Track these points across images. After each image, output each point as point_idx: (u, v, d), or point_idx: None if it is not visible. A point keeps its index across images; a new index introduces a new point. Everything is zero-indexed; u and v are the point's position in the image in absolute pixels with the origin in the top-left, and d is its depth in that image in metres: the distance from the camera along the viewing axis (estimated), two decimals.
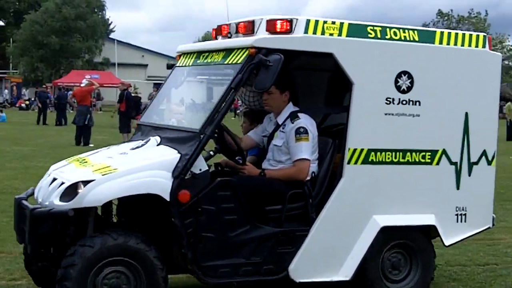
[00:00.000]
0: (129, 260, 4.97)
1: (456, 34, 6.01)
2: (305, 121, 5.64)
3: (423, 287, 5.93)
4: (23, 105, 48.31)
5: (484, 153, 6.11)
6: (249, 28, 5.59)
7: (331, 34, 5.51)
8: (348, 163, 5.58)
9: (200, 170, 5.20)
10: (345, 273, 5.62)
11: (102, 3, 63.23)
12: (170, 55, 62.67)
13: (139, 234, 5.08)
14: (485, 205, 6.21)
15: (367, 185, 5.69)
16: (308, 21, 5.44)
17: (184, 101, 6.49)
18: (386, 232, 5.73)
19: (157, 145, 5.54)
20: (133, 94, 24.05)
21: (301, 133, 5.55)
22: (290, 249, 5.47)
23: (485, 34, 6.22)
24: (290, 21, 5.40)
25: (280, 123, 5.74)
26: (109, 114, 31.87)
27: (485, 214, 6.22)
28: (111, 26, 66.36)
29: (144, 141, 5.67)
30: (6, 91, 53.69)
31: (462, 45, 5.99)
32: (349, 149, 5.58)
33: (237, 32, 5.75)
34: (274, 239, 5.44)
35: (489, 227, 6.30)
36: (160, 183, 5.06)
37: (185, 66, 6.26)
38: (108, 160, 5.48)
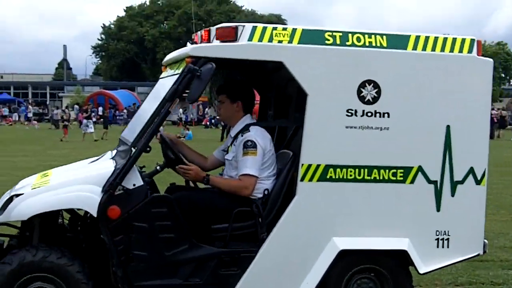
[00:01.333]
0: (51, 276, 4.86)
1: (436, 38, 5.36)
2: (255, 134, 5.27)
3: None
4: (208, 123, 51.30)
5: (471, 171, 5.41)
6: (206, 36, 5.33)
7: (280, 41, 5.10)
8: (302, 180, 5.13)
9: (134, 185, 5.00)
10: None
11: (283, 22, 65.26)
12: None
13: (63, 249, 4.96)
14: (473, 229, 5.49)
15: (326, 204, 5.21)
16: (254, 28, 5.07)
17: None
18: (349, 256, 5.22)
19: (111, 158, 5.43)
20: None
21: (248, 146, 5.20)
22: (234, 271, 5.12)
23: (473, 38, 5.48)
24: (236, 29, 5.07)
25: (232, 135, 5.42)
26: None
27: (474, 239, 5.50)
28: None
29: (103, 154, 5.58)
30: (194, 109, 56.22)
31: (442, 50, 5.33)
32: (302, 165, 5.13)
33: (201, 40, 5.51)
34: (217, 259, 5.12)
35: (478, 254, 5.56)
36: (87, 197, 4.91)
37: (160, 77, 6.12)
38: (61, 173, 5.44)
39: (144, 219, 4.99)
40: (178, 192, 5.35)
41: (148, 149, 4.99)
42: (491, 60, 5.47)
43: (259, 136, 5.28)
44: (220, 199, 5.22)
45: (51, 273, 4.85)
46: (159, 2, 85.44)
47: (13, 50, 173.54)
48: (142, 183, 5.05)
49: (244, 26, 5.08)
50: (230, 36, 5.05)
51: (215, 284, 5.12)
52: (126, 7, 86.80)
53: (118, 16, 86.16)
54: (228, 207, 5.14)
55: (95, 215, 4.88)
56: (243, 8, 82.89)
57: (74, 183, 5.03)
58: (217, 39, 5.11)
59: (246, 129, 5.33)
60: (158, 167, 5.35)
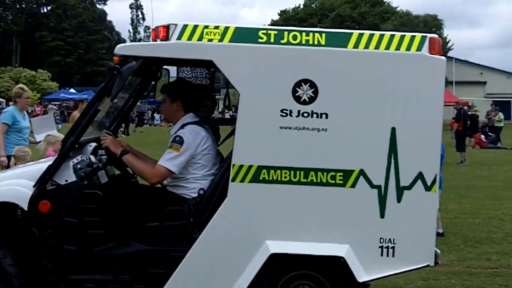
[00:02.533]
0: None
1: (381, 35, 5.05)
2: (187, 131, 5.25)
3: None
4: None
5: (420, 176, 5.06)
6: (164, 33, 5.17)
7: (210, 40, 5.01)
8: (233, 180, 5.02)
9: (66, 181, 5.14)
10: None
11: (440, 22, 64.58)
12: (510, 71, 63.47)
13: None
14: (422, 238, 5.12)
15: (258, 206, 5.06)
16: (185, 27, 5.02)
17: None
18: (283, 261, 5.06)
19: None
20: (470, 112, 24.48)
21: (174, 141, 5.21)
22: (163, 270, 5.11)
23: (424, 34, 5.09)
24: (167, 27, 5.04)
25: (171, 134, 5.40)
26: None
27: (423, 248, 5.13)
28: (449, 45, 66.99)
29: None
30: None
31: (387, 48, 5.02)
32: (233, 165, 5.02)
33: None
34: (145, 257, 5.13)
35: (428, 265, 5.18)
36: (19, 191, 5.10)
37: None
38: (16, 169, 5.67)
39: (74, 214, 5.10)
40: (114, 188, 5.40)
41: (76, 146, 5.08)
42: (443, 58, 5.07)
43: (192, 134, 5.24)
44: (152, 197, 5.25)
45: None
46: (312, 5, 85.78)
47: None
48: (74, 179, 5.15)
49: (176, 25, 5.04)
50: (163, 35, 5.04)
51: (143, 282, 5.13)
52: (280, 11, 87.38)
53: (272, 20, 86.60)
54: (159, 206, 5.13)
55: (25, 208, 5.04)
56: (398, 9, 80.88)
57: (10, 178, 5.24)
58: (153, 39, 5.13)
59: (182, 127, 5.30)
60: (100, 164, 5.41)
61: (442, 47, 5.26)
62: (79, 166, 5.27)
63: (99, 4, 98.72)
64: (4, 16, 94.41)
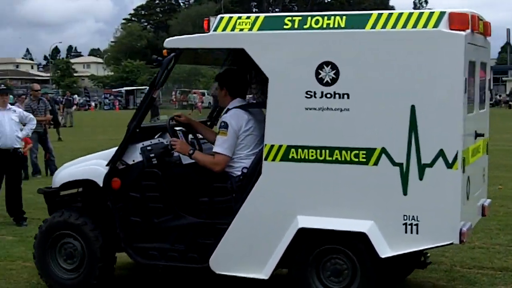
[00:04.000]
0: (72, 233, 6.12)
1: (400, 14, 5.12)
2: (230, 116, 5.78)
3: None
4: None
5: (441, 153, 5.03)
6: (206, 25, 5.79)
7: (241, 30, 5.49)
8: (266, 159, 5.45)
9: (133, 161, 5.96)
10: (264, 272, 5.50)
11: None
12: None
13: (81, 212, 6.17)
14: (446, 215, 5.07)
15: (289, 183, 5.42)
16: (221, 19, 5.58)
17: None
18: (311, 235, 5.37)
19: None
20: None
21: (221, 127, 5.75)
22: (211, 241, 5.69)
23: (444, 10, 5.02)
24: (208, 20, 5.64)
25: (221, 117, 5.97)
26: None
27: (447, 226, 5.08)
28: None
29: None
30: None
31: (405, 26, 5.07)
32: (265, 145, 5.45)
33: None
34: (196, 229, 5.77)
35: (452, 243, 5.10)
36: (96, 170, 6.05)
37: None
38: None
39: (138, 190, 5.90)
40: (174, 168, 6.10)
41: (137, 130, 5.89)
42: (461, 33, 4.97)
43: (234, 118, 5.75)
44: (201, 175, 5.84)
45: (72, 230, 6.12)
46: None
47: None
48: (140, 159, 5.95)
49: (215, 17, 5.61)
50: (205, 27, 5.65)
51: (196, 251, 5.75)
52: None
53: None
54: (208, 183, 5.75)
55: (101, 185, 5.98)
56: None
57: (91, 159, 6.25)
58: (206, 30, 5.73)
59: (226, 111, 5.85)
60: (169, 147, 6.09)
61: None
62: (149, 147, 6.02)
63: None
64: (290, 7, 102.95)
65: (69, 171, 6.36)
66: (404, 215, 5.14)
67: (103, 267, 6.07)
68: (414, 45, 5.06)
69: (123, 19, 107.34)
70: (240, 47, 5.53)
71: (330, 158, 5.28)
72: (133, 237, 5.95)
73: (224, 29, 5.56)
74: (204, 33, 5.66)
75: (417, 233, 5.12)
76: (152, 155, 6.00)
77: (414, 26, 5.06)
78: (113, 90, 73.13)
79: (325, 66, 5.24)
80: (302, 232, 5.34)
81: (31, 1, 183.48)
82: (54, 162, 14.67)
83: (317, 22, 5.30)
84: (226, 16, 5.61)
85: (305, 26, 5.32)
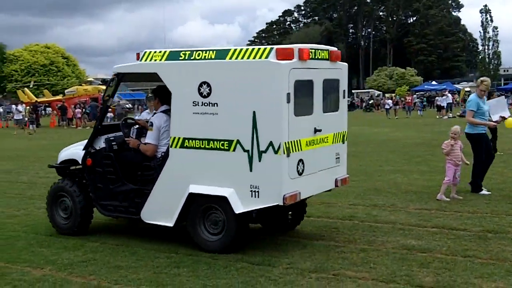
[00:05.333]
0: (64, 194, 9.19)
1: (246, 50, 7.58)
2: (155, 117, 8.57)
3: (226, 242, 7.88)
4: None
5: (270, 143, 7.43)
6: (137, 56, 8.56)
7: (155, 60, 8.21)
8: (171, 146, 8.14)
9: (99, 147, 8.94)
10: (170, 222, 8.18)
11: None
12: None
13: (72, 180, 9.21)
14: (274, 185, 7.45)
15: (184, 163, 8.04)
16: (144, 53, 8.32)
17: None
18: (198, 197, 7.96)
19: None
20: None
21: (150, 125, 8.53)
22: (141, 200, 8.47)
23: (272, 46, 7.43)
24: (139, 53, 8.39)
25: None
26: None
27: (275, 193, 7.46)
28: None
29: None
30: None
31: (248, 58, 7.51)
32: (171, 137, 8.13)
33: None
34: (133, 192, 8.60)
35: (278, 204, 7.47)
36: (77, 153, 9.14)
37: None
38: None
39: (100, 166, 8.85)
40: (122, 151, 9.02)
41: (99, 127, 8.88)
42: (284, 62, 7.33)
43: (157, 118, 8.52)
44: (137, 157, 8.69)
45: (65, 192, 9.18)
46: None
47: None
48: (103, 146, 8.90)
49: (145, 51, 8.33)
50: (137, 58, 8.41)
51: (134, 207, 8.53)
52: None
53: None
54: (141, 162, 8.60)
55: (80, 163, 9.03)
56: None
57: (80, 145, 9.26)
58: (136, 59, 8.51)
59: (153, 115, 8.66)
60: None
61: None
62: (112, 138, 9.03)
63: (454, 12, 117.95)
64: (380, 28, 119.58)
65: (64, 153, 9.47)
66: (251, 185, 7.59)
67: (82, 218, 9.09)
68: (253, 70, 7.49)
69: (248, 41, 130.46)
70: (154, 72, 8.21)
71: (208, 146, 7.84)
72: (99, 198, 8.90)
73: (146, 60, 8.30)
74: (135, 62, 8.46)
75: (258, 197, 7.58)
76: (114, 143, 8.98)
77: (254, 57, 7.49)
78: None
79: (203, 85, 7.80)
80: (192, 195, 7.97)
81: (179, 28, 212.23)
82: None
83: (198, 55, 7.89)
84: (148, 50, 8.32)
85: (192, 58, 7.92)
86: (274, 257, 7.78)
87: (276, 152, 7.42)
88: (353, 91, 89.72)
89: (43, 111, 62.54)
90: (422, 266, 7.34)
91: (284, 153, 7.42)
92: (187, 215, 8.14)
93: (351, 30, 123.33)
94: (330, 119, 8.45)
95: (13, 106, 46.06)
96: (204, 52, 7.89)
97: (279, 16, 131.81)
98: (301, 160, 7.77)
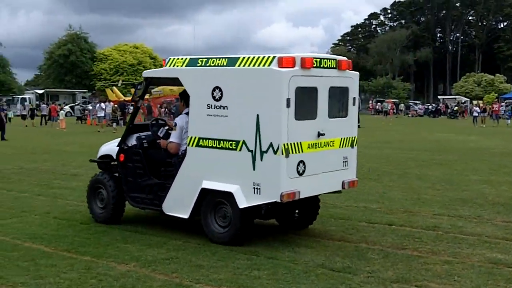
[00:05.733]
0: (102, 186, 10.08)
1: (253, 58, 8.19)
2: (178, 118, 9.28)
3: (232, 235, 8.54)
4: None
5: (271, 145, 8.04)
6: (164, 62, 9.43)
7: (177, 66, 8.98)
8: (188, 145, 8.90)
9: (131, 144, 9.84)
10: (186, 214, 8.93)
11: None
12: None
13: (109, 173, 10.10)
14: (273, 183, 8.04)
15: (200, 160, 8.76)
16: (169, 59, 9.10)
17: None
18: (209, 192, 8.67)
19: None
20: None
21: (174, 125, 9.28)
22: (163, 194, 9.27)
23: (275, 55, 8.01)
24: (165, 60, 9.20)
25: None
26: None
27: (273, 190, 8.05)
28: None
29: None
30: None
31: (254, 65, 8.14)
32: (189, 136, 8.88)
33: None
34: (156, 186, 9.41)
35: (276, 201, 8.03)
36: (113, 149, 10.05)
37: None
38: None
39: (131, 162, 9.72)
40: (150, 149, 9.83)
41: (130, 126, 9.83)
42: (285, 69, 7.91)
43: (181, 119, 9.23)
44: (161, 154, 9.47)
45: (102, 184, 10.07)
46: None
47: None
48: (134, 143, 9.76)
49: (170, 58, 9.11)
50: (163, 64, 9.23)
51: (158, 199, 9.32)
52: None
53: None
54: (164, 159, 9.41)
55: (114, 158, 9.93)
56: None
57: (114, 142, 10.13)
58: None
59: (177, 116, 9.41)
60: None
61: None
62: (143, 136, 9.87)
63: None
64: (469, 33, 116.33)
65: (103, 148, 10.39)
66: (254, 182, 8.23)
67: (115, 208, 9.95)
68: (258, 77, 8.13)
69: (332, 43, 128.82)
70: (176, 77, 8.96)
71: (218, 146, 8.53)
72: (129, 190, 9.78)
73: (170, 65, 9.08)
74: (162, 67, 9.28)
75: (259, 194, 8.20)
76: (145, 141, 9.86)
77: (259, 65, 8.12)
78: None
79: (216, 89, 8.51)
80: (204, 190, 8.70)
81: (263, 30, 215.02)
82: None
83: (213, 62, 8.61)
84: (172, 58, 9.11)
85: (207, 64, 8.64)
86: (355, 265, 7.80)
87: (275, 152, 8.02)
88: (439, 96, 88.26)
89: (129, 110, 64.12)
90: (508, 281, 7.21)
91: (282, 153, 8.01)
92: (200, 209, 8.83)
93: (438, 35, 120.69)
94: (337, 125, 8.97)
95: (98, 104, 47.47)
96: (218, 59, 8.60)
97: (365, 19, 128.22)
98: (302, 161, 8.33)
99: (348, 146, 9.11)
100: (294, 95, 8.00)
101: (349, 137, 9.16)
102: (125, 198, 9.94)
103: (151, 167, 9.61)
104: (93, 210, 10.25)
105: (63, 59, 77.86)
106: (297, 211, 9.58)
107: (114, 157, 10.01)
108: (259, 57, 8.20)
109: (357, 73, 9.24)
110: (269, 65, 8.04)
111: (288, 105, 7.91)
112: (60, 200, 12.40)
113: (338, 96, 8.92)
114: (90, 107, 57.50)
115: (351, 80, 9.08)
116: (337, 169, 8.95)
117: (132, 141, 9.86)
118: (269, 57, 8.11)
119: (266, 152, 8.09)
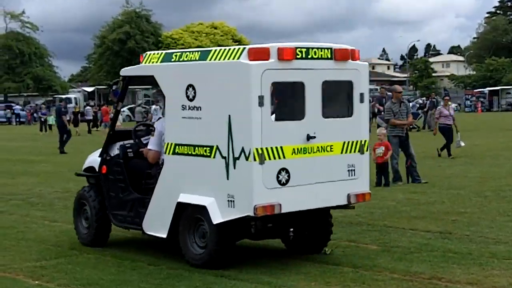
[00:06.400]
0: (83, 201, 8.92)
1: (224, 50, 7.04)
2: (157, 122, 8.17)
3: (204, 258, 7.30)
4: None
5: (242, 150, 6.81)
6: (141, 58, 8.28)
7: (153, 62, 7.84)
8: (165, 153, 7.73)
9: (112, 155, 8.64)
10: (163, 233, 7.66)
11: None
12: None
13: (90, 187, 8.89)
14: (245, 195, 6.81)
15: (176, 170, 7.58)
16: (146, 54, 8.01)
17: None
18: (186, 207, 7.43)
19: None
20: None
21: (152, 130, 8.16)
22: (143, 210, 8.04)
23: (245, 46, 6.86)
24: (143, 55, 8.11)
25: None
26: None
27: (246, 203, 6.81)
28: None
29: None
30: None
31: (224, 59, 6.98)
32: (165, 143, 7.70)
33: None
34: (137, 202, 8.20)
35: (248, 215, 6.79)
36: (95, 160, 8.86)
37: None
38: None
39: (112, 174, 8.52)
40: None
41: (111, 133, 8.61)
42: (256, 62, 6.72)
43: (159, 124, 8.09)
44: (143, 165, 8.28)
45: (84, 199, 8.91)
46: None
47: None
48: (116, 153, 8.55)
49: (146, 53, 8.04)
50: (139, 60, 8.11)
51: (137, 217, 8.10)
52: None
53: None
54: (143, 170, 8.23)
55: (97, 170, 8.75)
56: None
57: (95, 153, 8.97)
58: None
59: (158, 120, 8.30)
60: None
61: None
62: (127, 145, 8.65)
63: None
64: None
65: (88, 159, 9.20)
66: (228, 194, 6.99)
67: (98, 228, 8.70)
68: (227, 72, 7.01)
69: (487, 12, 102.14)
70: (151, 75, 7.84)
71: (194, 153, 7.34)
72: (111, 206, 8.57)
73: (146, 62, 7.96)
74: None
75: (233, 207, 6.95)
76: (130, 150, 8.64)
77: (229, 58, 6.95)
78: (474, 90, 70.14)
79: (190, 88, 7.34)
80: (180, 205, 7.45)
81: None
82: (415, 169, 14.05)
83: (186, 56, 7.49)
84: (149, 52, 8.02)
85: (181, 59, 7.52)
86: None
87: (247, 158, 6.80)
88: None
89: None
90: None
91: (255, 160, 6.77)
92: (177, 229, 7.63)
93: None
94: (336, 126, 7.51)
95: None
96: (191, 53, 7.50)
97: None
98: (283, 169, 7.02)
99: (355, 151, 7.57)
100: (269, 91, 6.84)
101: (356, 141, 7.57)
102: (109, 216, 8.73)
103: (133, 180, 8.40)
104: (78, 229, 9.05)
105: (118, 45, 64.71)
106: (291, 229, 7.77)
107: (97, 169, 8.83)
108: (229, 49, 7.06)
109: (366, 63, 7.78)
110: (238, 58, 6.88)
111: (261, 104, 6.76)
112: (119, 234, 9.45)
113: (337, 92, 7.61)
114: (155, 109, 47.89)
115: (356, 72, 7.56)
116: (340, 179, 7.47)
117: (115, 151, 8.69)
118: (239, 48, 6.95)
119: (238, 158, 6.86)
